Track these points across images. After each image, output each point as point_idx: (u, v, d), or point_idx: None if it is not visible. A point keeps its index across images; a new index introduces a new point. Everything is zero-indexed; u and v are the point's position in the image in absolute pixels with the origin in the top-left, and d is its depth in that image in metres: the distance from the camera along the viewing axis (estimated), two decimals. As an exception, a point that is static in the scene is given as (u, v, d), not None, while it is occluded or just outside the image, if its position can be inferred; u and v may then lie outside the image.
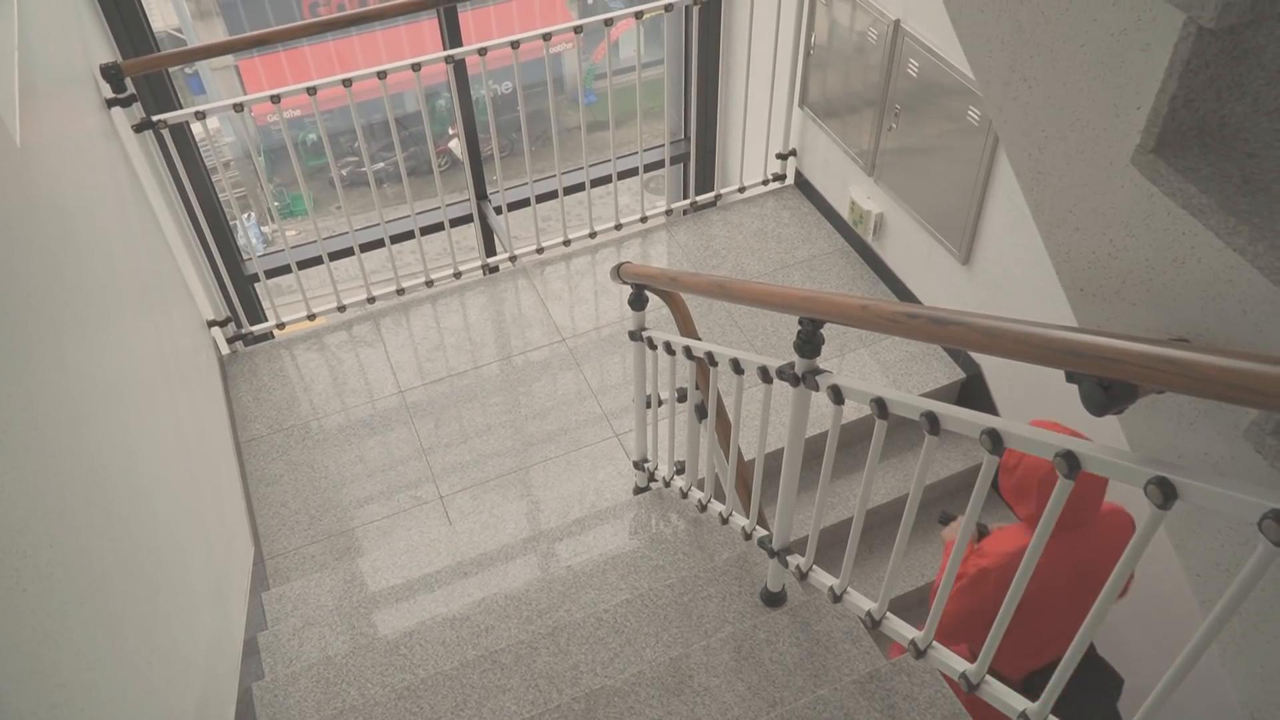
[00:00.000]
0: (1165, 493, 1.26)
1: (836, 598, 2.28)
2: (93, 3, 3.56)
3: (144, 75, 3.61)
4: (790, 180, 4.70)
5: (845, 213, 4.28)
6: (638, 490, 3.39)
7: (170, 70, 3.86)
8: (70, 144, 2.56)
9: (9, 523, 1.33)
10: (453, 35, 4.17)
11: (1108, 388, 1.26)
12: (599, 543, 3.21)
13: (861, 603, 2.23)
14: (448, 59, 3.79)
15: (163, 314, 3.05)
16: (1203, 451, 1.34)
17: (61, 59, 2.78)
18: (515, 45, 3.74)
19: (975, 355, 3.67)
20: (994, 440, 1.56)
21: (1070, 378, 1.31)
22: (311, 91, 3.54)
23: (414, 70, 3.66)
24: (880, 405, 1.85)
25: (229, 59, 11.01)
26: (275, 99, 3.52)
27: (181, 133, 3.81)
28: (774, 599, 2.65)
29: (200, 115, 3.51)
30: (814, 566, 2.39)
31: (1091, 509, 2.38)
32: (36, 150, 2.08)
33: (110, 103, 3.23)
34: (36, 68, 2.36)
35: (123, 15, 3.63)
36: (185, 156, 3.79)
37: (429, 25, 4.92)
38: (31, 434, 1.52)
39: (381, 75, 3.58)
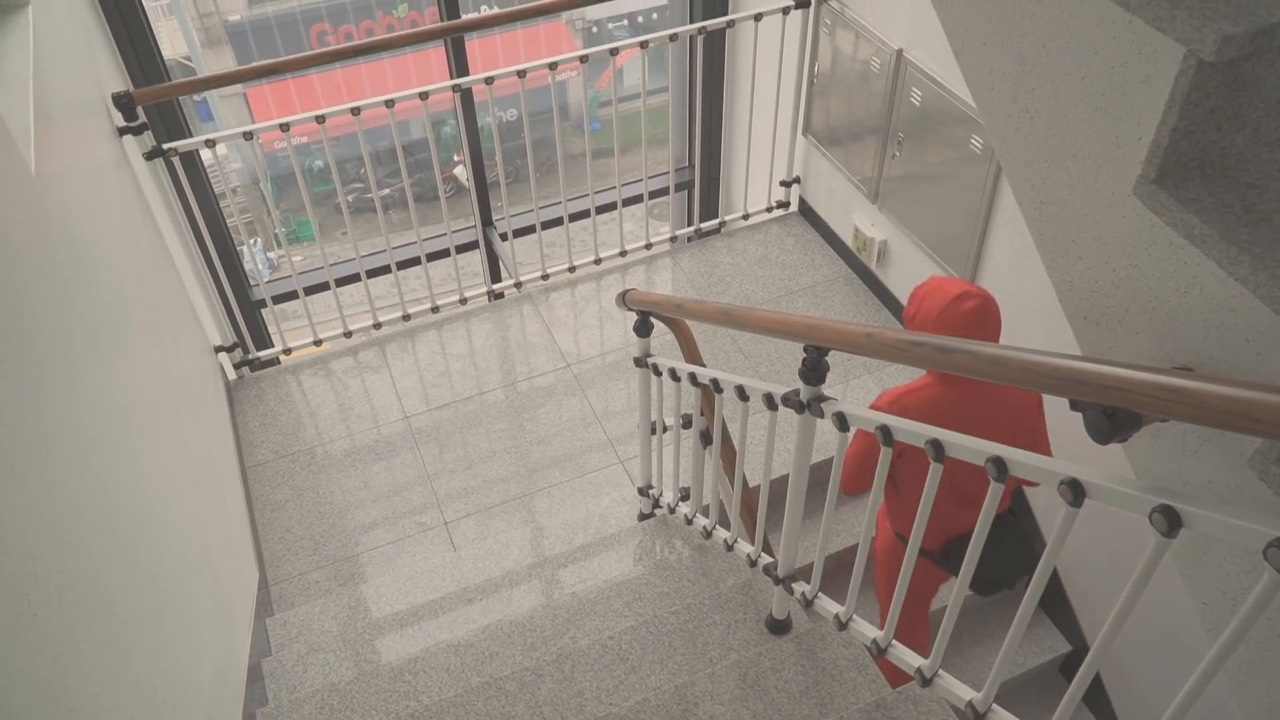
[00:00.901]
0: (1170, 521, 1.27)
1: (842, 625, 2.28)
2: (105, 32, 3.60)
3: (155, 103, 3.64)
4: (794, 207, 4.72)
5: (849, 239, 4.31)
6: (642, 516, 3.39)
7: (180, 98, 3.89)
8: (82, 171, 2.58)
9: (20, 548, 1.34)
10: (459, 64, 4.21)
11: (1112, 416, 1.27)
12: (603, 569, 3.21)
13: (867, 630, 2.23)
14: (455, 88, 3.82)
15: (171, 339, 3.07)
16: (1207, 479, 1.35)
17: (75, 88, 2.82)
18: (521, 74, 3.78)
19: (979, 382, 3.67)
20: (999, 468, 1.57)
21: (1074, 406, 1.32)
22: (320, 120, 3.58)
23: (421, 99, 3.70)
24: (885, 433, 1.86)
25: (237, 86, 11.10)
26: (284, 127, 3.56)
27: (191, 160, 3.85)
28: (779, 626, 2.64)
29: (210, 143, 3.54)
30: (819, 594, 2.39)
31: None
32: (50, 178, 2.11)
33: (122, 131, 3.27)
34: (51, 97, 2.39)
35: (134, 44, 3.67)
36: (194, 183, 3.82)
37: (436, 52, 4.97)
38: (43, 459, 1.53)
39: (389, 104, 3.62)
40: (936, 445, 1.70)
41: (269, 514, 3.64)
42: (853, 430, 2.03)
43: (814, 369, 2.05)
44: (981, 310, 2.44)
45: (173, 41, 10.87)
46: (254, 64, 3.68)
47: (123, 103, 3.22)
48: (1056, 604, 3.54)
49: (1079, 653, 3.53)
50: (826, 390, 2.10)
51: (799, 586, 2.45)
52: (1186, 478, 1.39)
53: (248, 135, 3.55)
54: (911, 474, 2.59)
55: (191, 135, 3.93)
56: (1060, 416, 2.83)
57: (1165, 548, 1.32)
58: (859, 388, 3.83)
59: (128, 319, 2.50)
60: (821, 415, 2.07)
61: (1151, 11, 1.17)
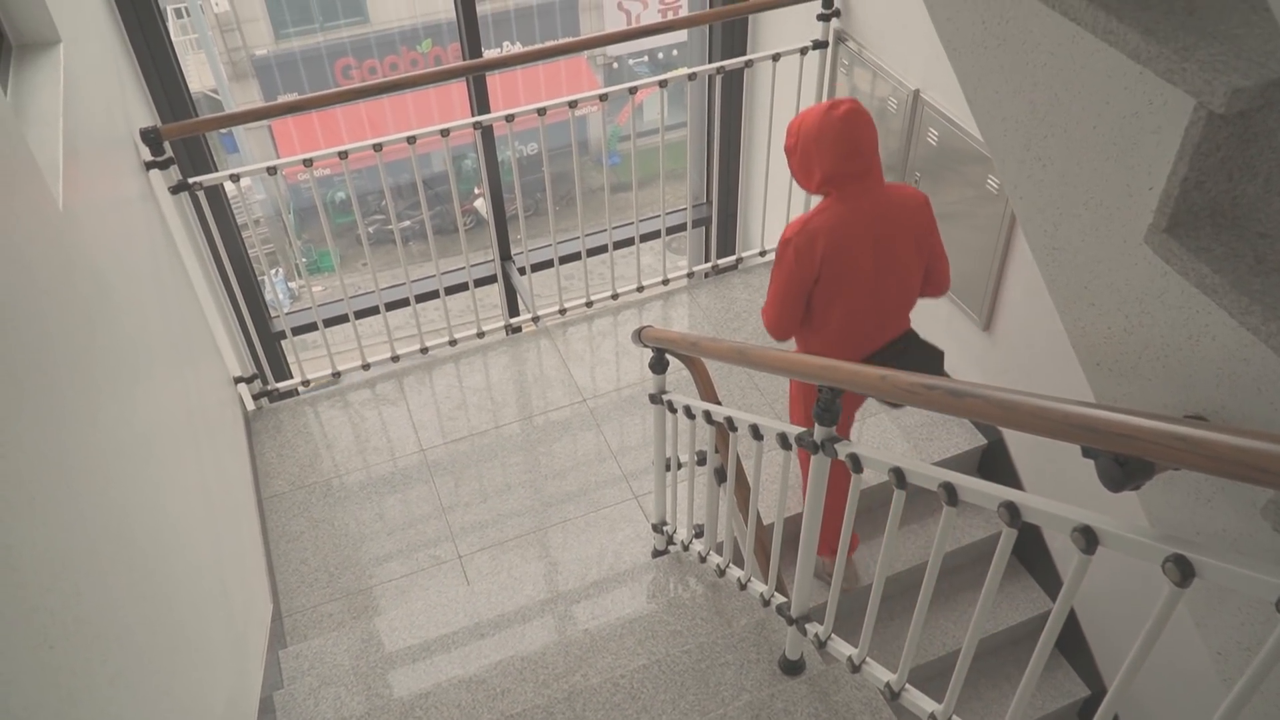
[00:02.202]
0: (1183, 571, 1.26)
1: (855, 668, 2.27)
2: (134, 67, 3.67)
3: (181, 138, 3.71)
4: (811, 244, 4.73)
5: (866, 277, 4.31)
6: (656, 553, 3.39)
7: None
8: (109, 206, 2.63)
9: (39, 580, 1.35)
10: (480, 100, 4.26)
11: (1124, 464, 1.27)
12: (617, 606, 3.21)
13: (880, 673, 2.22)
14: (476, 125, 3.87)
15: (192, 371, 3.10)
16: (1221, 528, 1.35)
17: (104, 123, 2.87)
18: (542, 112, 3.82)
19: (996, 421, 3.66)
20: (1012, 513, 1.57)
21: (1086, 453, 1.32)
22: (343, 155, 3.63)
23: (443, 135, 3.74)
24: (899, 475, 1.86)
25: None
26: (308, 162, 3.61)
27: (215, 192, 3.90)
28: (792, 667, 2.63)
29: (235, 178, 3.59)
30: (833, 635, 2.38)
31: (868, 155, 2.63)
32: (77, 213, 2.15)
33: (149, 165, 3.32)
34: (80, 132, 2.44)
35: (163, 80, 3.74)
36: (218, 215, 3.87)
37: (457, 86, 5.03)
38: (63, 491, 1.55)
39: (411, 140, 3.67)
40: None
41: (284, 545, 3.65)
42: (865, 471, 2.03)
43: (828, 409, 2.06)
44: (854, 112, 2.59)
45: (200, 75, 11.05)
46: (280, 101, 3.75)
47: (150, 138, 3.27)
48: (1075, 648, 3.50)
49: (1098, 697, 3.49)
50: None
51: (812, 627, 2.44)
52: (1200, 526, 1.39)
53: (272, 170, 3.60)
54: (826, 300, 2.73)
55: (216, 168, 3.99)
56: (1074, 462, 2.83)
57: (1179, 597, 1.31)
58: (875, 425, 3.82)
59: (149, 351, 2.54)
60: (836, 455, 2.07)
61: (1162, 64, 1.18)
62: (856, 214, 2.65)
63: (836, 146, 2.60)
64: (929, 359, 2.92)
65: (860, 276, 2.68)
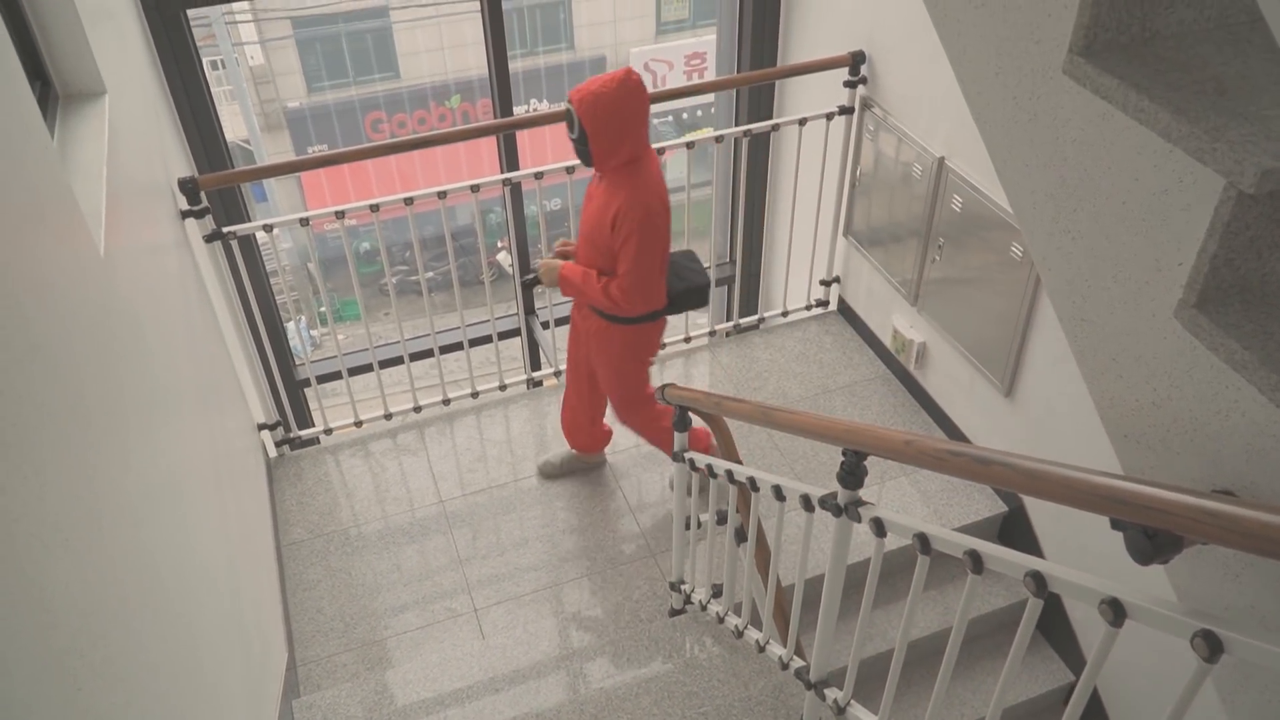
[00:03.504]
0: (1212, 646, 1.26)
1: (874, 734, 2.24)
2: (173, 118, 3.76)
3: (216, 189, 3.78)
4: (833, 306, 4.77)
5: (888, 340, 4.33)
6: (673, 612, 3.37)
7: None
8: (146, 252, 2.68)
9: (70, 622, 1.37)
10: (510, 156, 4.33)
11: (1153, 537, 1.27)
12: (632, 664, 3.18)
13: (900, 741, 2.19)
14: (505, 181, 3.93)
15: (218, 416, 3.14)
16: (1250, 604, 1.34)
17: (144, 172, 2.94)
18: (570, 171, 3.88)
19: (1017, 488, 3.64)
20: (1038, 583, 1.56)
21: (1115, 525, 1.32)
22: (374, 209, 3.69)
23: (472, 191, 3.80)
24: (923, 541, 1.86)
25: (292, 168, 11.41)
26: (340, 215, 3.67)
27: (247, 241, 3.97)
28: (809, 732, 2.60)
29: (269, 228, 3.66)
30: (852, 700, 2.36)
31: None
32: (116, 259, 2.19)
33: (185, 214, 3.39)
34: (122, 180, 2.49)
35: (200, 131, 3.83)
36: (248, 263, 3.94)
37: (485, 141, 5.12)
38: (95, 533, 1.57)
39: (441, 195, 3.73)
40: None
41: (301, 594, 3.65)
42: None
43: (852, 473, 2.06)
44: (622, 75, 2.97)
45: (232, 125, 11.27)
46: (314, 154, 3.85)
47: (188, 188, 3.35)
48: (1095, 721, 3.45)
49: (1118, 773, 3.42)
50: (863, 490, 2.11)
51: (831, 693, 2.42)
52: (1228, 601, 1.38)
53: (304, 221, 3.66)
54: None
55: (248, 216, 4.06)
56: (1097, 534, 2.81)
57: (1207, 673, 1.30)
58: (895, 489, 3.81)
59: (179, 396, 2.57)
60: (859, 520, 2.07)
61: (1192, 143, 1.21)
62: (659, 177, 3.16)
63: (642, 115, 3.01)
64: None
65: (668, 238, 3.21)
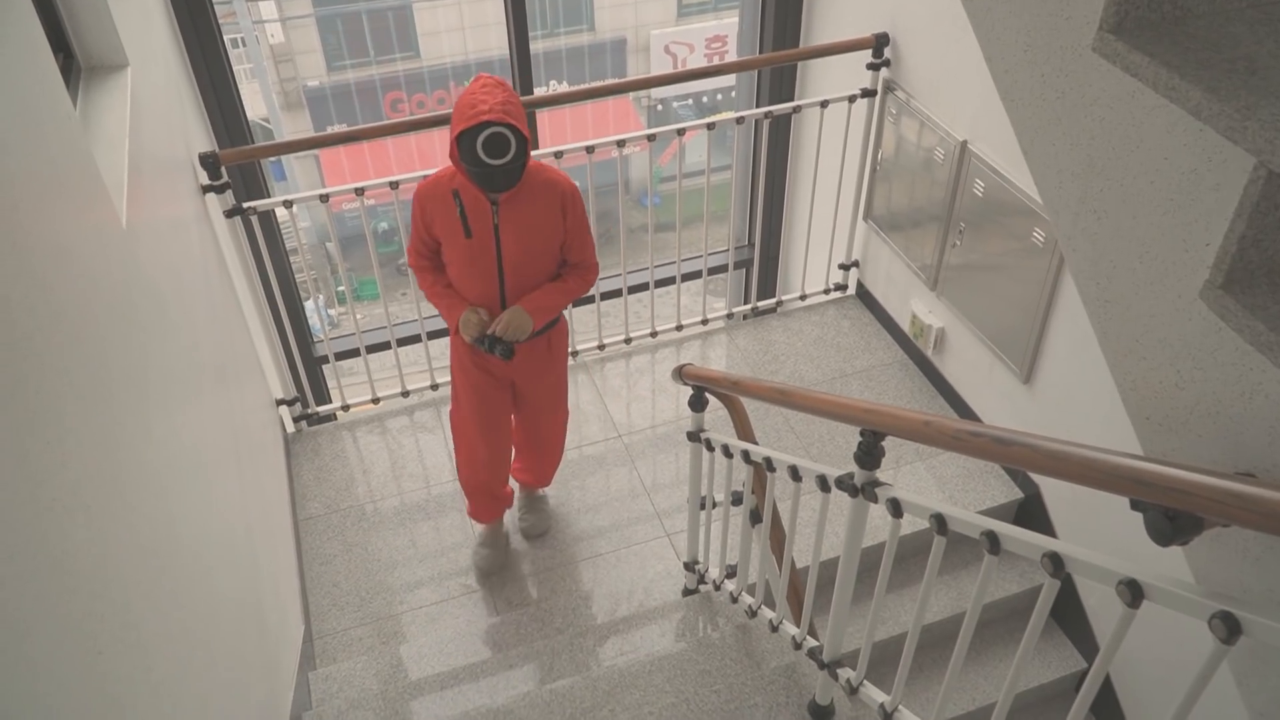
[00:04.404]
0: (1230, 628, 1.25)
1: (887, 715, 2.24)
2: (195, 94, 3.77)
3: (236, 164, 3.79)
4: (852, 290, 4.75)
5: (906, 325, 4.32)
6: (687, 592, 3.38)
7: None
8: (167, 226, 2.69)
9: (91, 587, 1.38)
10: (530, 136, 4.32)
11: (1173, 518, 1.27)
12: (645, 643, 3.19)
13: (913, 722, 2.19)
14: (525, 160, 3.92)
15: (237, 391, 3.15)
16: (1269, 587, 1.33)
17: (165, 146, 2.95)
18: (590, 150, 3.87)
19: (1034, 476, 3.63)
20: (1055, 564, 1.56)
21: (1135, 505, 1.31)
22: (394, 185, 3.69)
23: (492, 169, 3.80)
24: (940, 521, 1.86)
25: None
26: (359, 191, 3.68)
27: (266, 218, 3.98)
28: (822, 713, 2.61)
29: (288, 204, 3.67)
30: (865, 681, 2.36)
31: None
32: (138, 231, 2.20)
33: (205, 189, 3.40)
34: (143, 154, 2.50)
35: (221, 106, 3.84)
36: (268, 239, 3.95)
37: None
38: (117, 502, 1.58)
39: (461, 172, 3.72)
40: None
41: (318, 568, 3.68)
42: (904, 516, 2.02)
43: (869, 453, 2.06)
44: (490, 82, 2.76)
45: (252, 103, 11.29)
46: (333, 131, 3.84)
47: (209, 162, 3.36)
48: (1107, 711, 3.44)
49: (1130, 761, 3.42)
50: (879, 475, 2.10)
51: (844, 672, 2.42)
52: (1247, 584, 1.37)
53: (324, 197, 3.67)
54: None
55: (269, 193, 4.07)
56: (1114, 519, 2.80)
57: (1224, 654, 1.30)
58: (910, 474, 3.80)
59: (199, 369, 2.58)
60: (875, 500, 2.07)
61: (1223, 121, 1.19)
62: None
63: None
64: None
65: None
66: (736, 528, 2.95)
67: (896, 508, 2.00)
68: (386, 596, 3.59)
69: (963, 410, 4.00)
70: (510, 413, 3.38)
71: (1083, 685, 1.63)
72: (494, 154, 2.68)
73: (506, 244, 2.93)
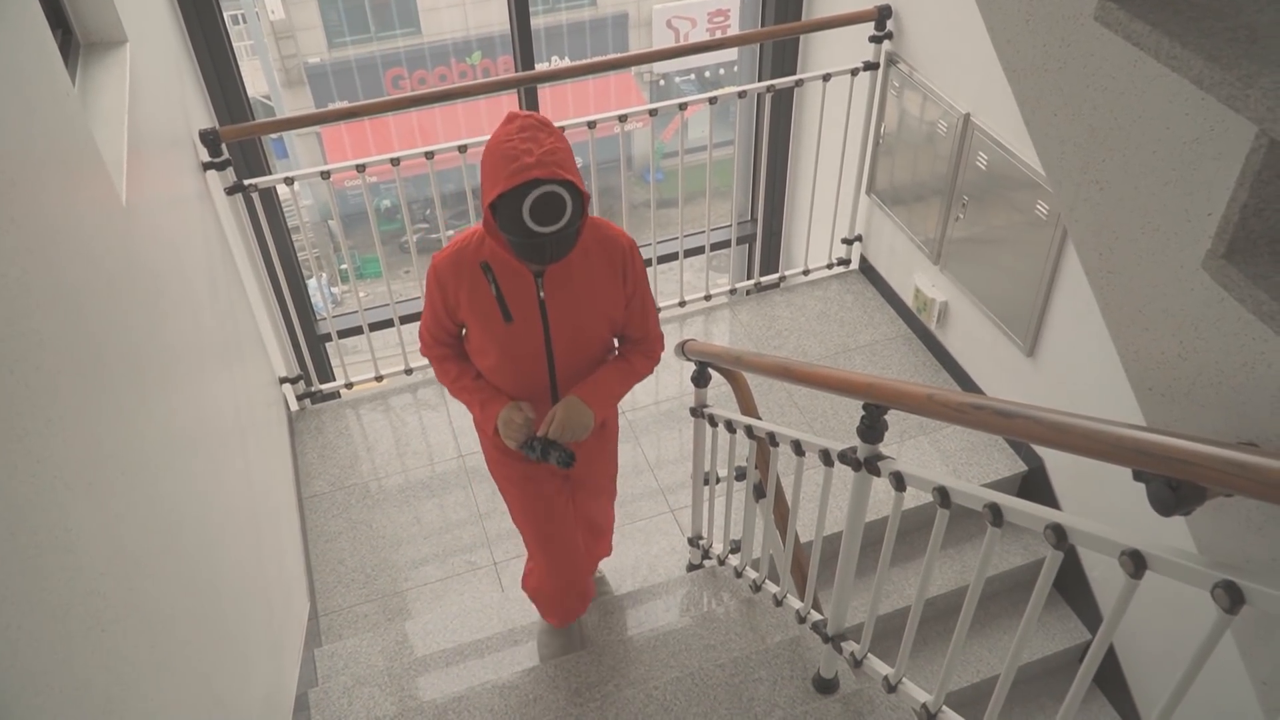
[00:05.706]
0: (1233, 597, 1.25)
1: (891, 687, 2.25)
2: (195, 70, 3.75)
3: (238, 141, 3.78)
4: (854, 265, 4.73)
5: (909, 299, 4.30)
6: (691, 567, 3.39)
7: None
8: (168, 203, 2.68)
9: (94, 564, 1.38)
10: (531, 110, 4.30)
11: (1176, 488, 1.26)
12: (650, 618, 3.21)
13: (917, 694, 2.20)
14: (526, 135, 3.90)
15: (240, 369, 3.16)
16: (1271, 557, 1.33)
17: (165, 123, 2.93)
18: (591, 125, 3.85)
19: (1038, 449, 3.63)
20: (1058, 535, 1.56)
21: (1138, 476, 1.31)
22: (395, 162, 3.68)
23: (493, 145, 3.78)
24: (943, 494, 1.86)
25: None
26: (360, 168, 3.66)
27: (268, 195, 3.97)
28: (826, 686, 2.62)
29: (289, 181, 3.66)
30: (869, 654, 2.37)
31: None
32: (138, 209, 2.20)
33: (206, 166, 3.39)
34: (143, 130, 2.49)
35: (221, 83, 3.82)
36: (270, 217, 3.94)
37: (507, 97, 5.09)
38: (118, 480, 1.58)
39: (462, 149, 3.71)
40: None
41: (322, 545, 3.69)
42: (906, 490, 2.03)
43: (872, 427, 2.05)
44: (531, 123, 2.10)
45: (253, 80, 11.24)
46: (335, 107, 3.82)
47: (209, 139, 3.34)
48: (1111, 682, 3.46)
49: (1133, 732, 3.44)
50: (882, 449, 2.10)
51: (848, 646, 2.43)
52: (1249, 554, 1.37)
53: (325, 174, 3.66)
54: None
55: (270, 171, 4.06)
56: (1118, 491, 2.80)
57: (1227, 624, 1.30)
58: (914, 448, 3.80)
59: (201, 347, 2.58)
60: (878, 474, 2.07)
61: (1225, 90, 1.18)
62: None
63: None
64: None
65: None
66: (740, 503, 2.96)
67: (900, 481, 2.00)
68: (391, 573, 3.60)
69: (966, 383, 4.00)
70: (572, 512, 2.75)
71: (1086, 656, 1.63)
72: (546, 220, 2.03)
73: (556, 324, 2.30)
